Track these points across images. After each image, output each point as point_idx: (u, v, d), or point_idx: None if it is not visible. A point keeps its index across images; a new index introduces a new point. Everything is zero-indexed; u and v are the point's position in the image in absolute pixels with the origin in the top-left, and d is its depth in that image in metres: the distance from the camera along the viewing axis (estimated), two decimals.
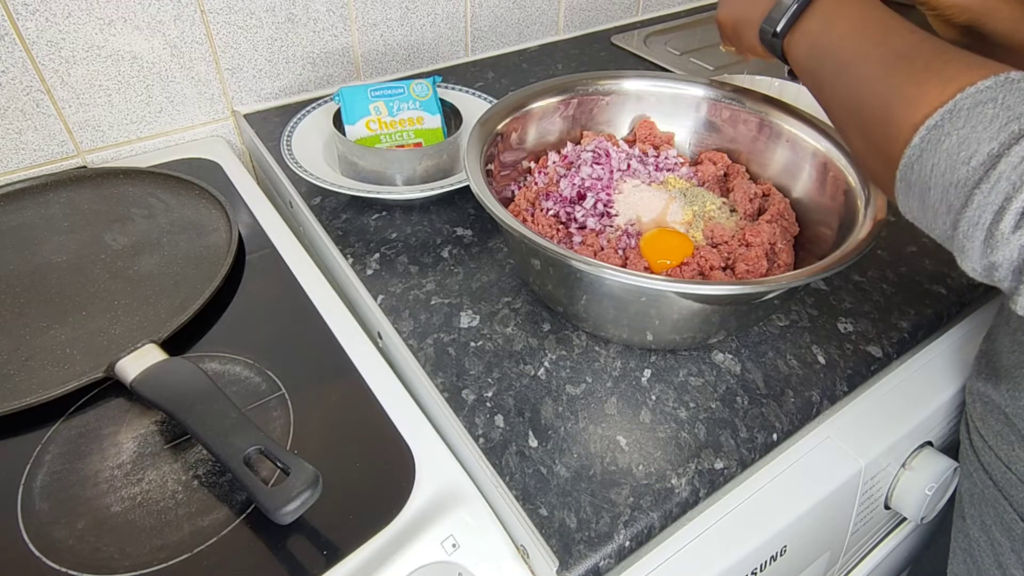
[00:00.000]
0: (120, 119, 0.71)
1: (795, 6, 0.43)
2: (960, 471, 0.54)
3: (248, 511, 0.40)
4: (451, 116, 0.72)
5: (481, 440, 0.44)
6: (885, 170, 0.37)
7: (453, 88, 0.77)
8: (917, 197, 0.34)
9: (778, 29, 0.44)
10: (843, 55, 0.40)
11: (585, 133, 0.61)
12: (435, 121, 0.69)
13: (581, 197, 0.55)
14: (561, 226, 0.53)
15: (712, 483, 0.43)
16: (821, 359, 0.51)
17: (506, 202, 0.56)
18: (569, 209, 0.54)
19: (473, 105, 0.74)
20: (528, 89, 0.58)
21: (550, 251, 0.41)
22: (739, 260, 0.49)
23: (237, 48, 0.75)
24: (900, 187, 0.35)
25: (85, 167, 0.68)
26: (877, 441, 0.50)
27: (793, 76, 0.48)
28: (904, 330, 0.53)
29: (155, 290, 0.55)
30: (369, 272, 0.57)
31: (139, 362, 0.46)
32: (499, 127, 0.55)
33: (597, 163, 0.57)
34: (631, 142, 0.62)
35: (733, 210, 0.55)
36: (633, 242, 0.51)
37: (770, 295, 0.43)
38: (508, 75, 0.90)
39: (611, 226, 0.53)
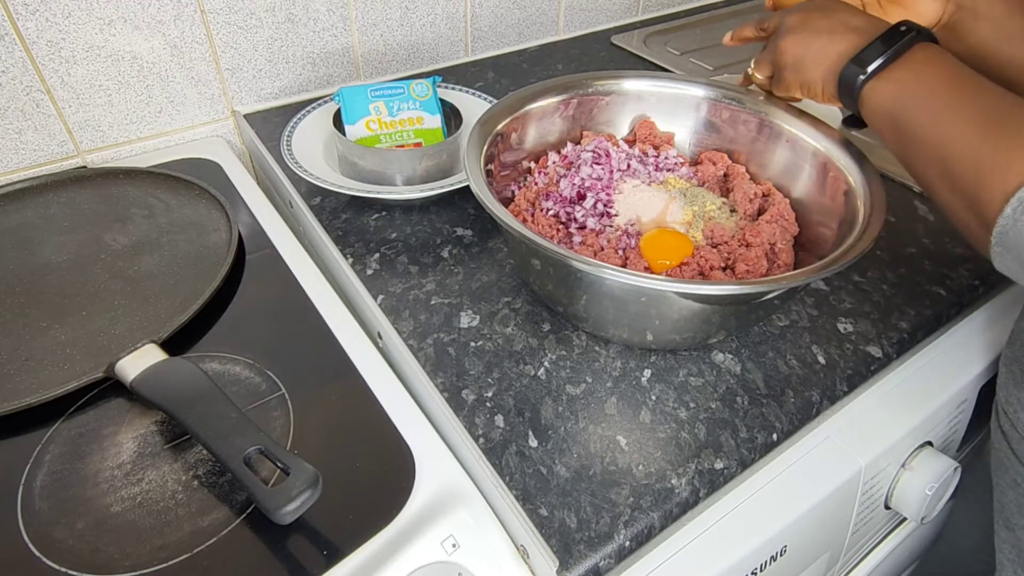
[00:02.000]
0: (120, 119, 0.71)
1: (892, 51, 0.43)
2: (997, 480, 0.53)
3: (248, 511, 0.40)
4: (451, 116, 0.72)
5: (481, 440, 0.44)
6: (980, 229, 0.37)
7: (453, 88, 0.77)
8: (1015, 259, 0.36)
9: (870, 69, 0.43)
10: (933, 106, 0.40)
11: (585, 133, 0.61)
12: (435, 121, 0.69)
13: (581, 197, 0.55)
14: (561, 226, 0.53)
15: (712, 483, 0.43)
16: (821, 359, 0.51)
17: (506, 202, 0.56)
18: (569, 209, 0.54)
19: (473, 105, 0.74)
20: (528, 89, 0.58)
21: (550, 251, 0.41)
22: (739, 260, 0.49)
23: (237, 48, 0.75)
24: (996, 250, 0.36)
25: (85, 167, 0.68)
26: (877, 441, 0.50)
27: (851, 123, 0.47)
28: (904, 330, 0.53)
29: (155, 290, 0.55)
30: (369, 272, 0.57)
31: (139, 362, 0.46)
32: (499, 127, 0.55)
33: (597, 163, 0.57)
34: (631, 142, 0.62)
35: (733, 210, 0.55)
36: (633, 242, 0.51)
37: (770, 295, 0.43)
38: (508, 75, 0.90)
39: (611, 226, 0.53)
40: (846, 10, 0.48)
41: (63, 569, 0.37)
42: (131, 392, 0.45)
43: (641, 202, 0.54)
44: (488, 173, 0.52)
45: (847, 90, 0.45)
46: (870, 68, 0.43)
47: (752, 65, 0.55)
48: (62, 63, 0.65)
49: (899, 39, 0.43)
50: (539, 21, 1.00)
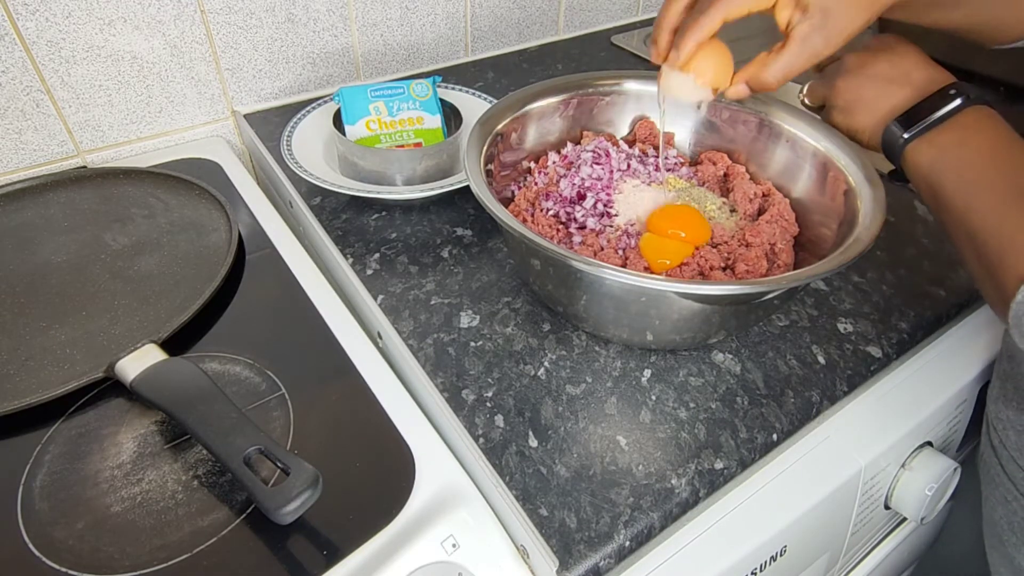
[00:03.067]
0: (120, 119, 0.71)
1: (935, 117, 0.43)
2: (988, 495, 0.53)
3: (248, 511, 0.40)
4: (451, 116, 0.72)
5: (481, 440, 0.44)
6: (999, 302, 0.38)
7: (453, 88, 0.77)
8: None
9: (906, 136, 0.44)
10: (966, 177, 0.40)
11: (585, 133, 0.61)
12: (435, 121, 0.69)
13: (581, 197, 0.55)
14: (561, 226, 0.53)
15: (712, 483, 0.43)
16: (821, 359, 0.51)
17: (506, 202, 0.56)
18: (569, 209, 0.54)
19: (473, 105, 0.74)
20: (528, 89, 0.58)
21: (550, 251, 0.41)
22: (739, 260, 0.49)
23: (237, 48, 0.75)
24: (1013, 326, 0.37)
25: (85, 167, 0.68)
26: (877, 441, 0.50)
27: (895, 178, 0.47)
28: (903, 331, 0.53)
29: (155, 290, 0.55)
30: (369, 272, 0.57)
31: (139, 362, 0.46)
32: (499, 127, 0.55)
33: (597, 163, 0.57)
34: (631, 142, 0.62)
35: (733, 210, 0.55)
36: (633, 242, 0.51)
37: (770, 295, 0.43)
38: (508, 75, 0.90)
39: (611, 226, 0.53)
40: (913, 59, 0.46)
41: (63, 569, 0.37)
42: (131, 392, 0.45)
43: (641, 202, 0.54)
44: (488, 173, 0.52)
45: (890, 147, 0.45)
46: (913, 130, 0.43)
47: (804, 89, 0.54)
48: (62, 63, 0.65)
49: (946, 103, 0.43)
50: (539, 21, 1.00)
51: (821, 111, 0.53)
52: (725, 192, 0.58)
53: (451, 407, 0.46)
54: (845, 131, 0.50)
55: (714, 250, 0.50)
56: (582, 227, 0.53)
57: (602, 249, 0.50)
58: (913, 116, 0.44)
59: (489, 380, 0.48)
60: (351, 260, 0.59)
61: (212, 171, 0.71)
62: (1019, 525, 0.49)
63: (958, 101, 0.42)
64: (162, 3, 0.68)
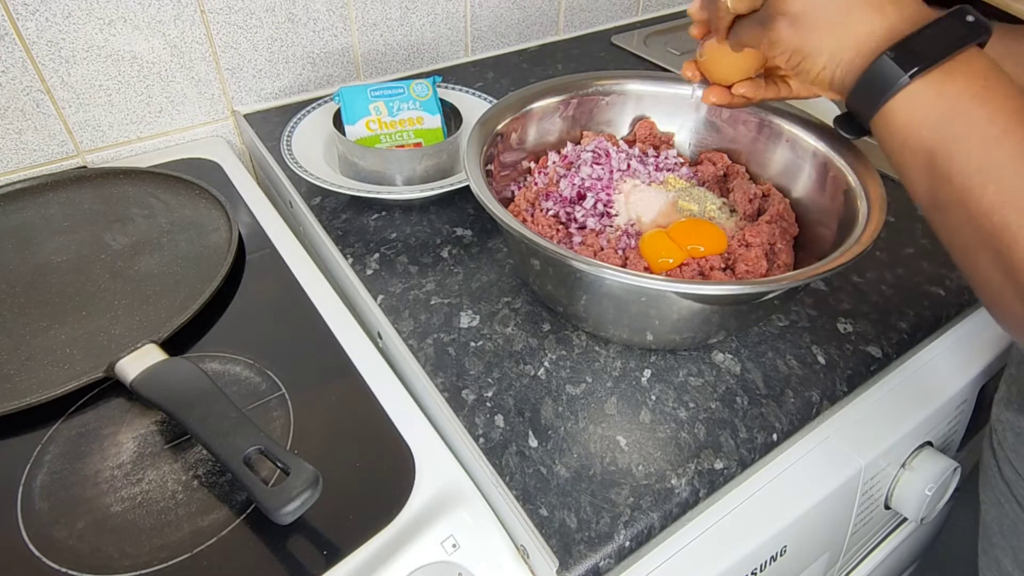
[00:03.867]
0: (120, 119, 0.71)
1: (948, 50, 0.30)
2: (984, 496, 0.53)
3: (248, 511, 0.40)
4: (451, 116, 0.72)
5: (481, 440, 0.44)
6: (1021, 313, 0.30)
7: (453, 88, 0.77)
8: None
9: (910, 73, 0.30)
10: (994, 155, 0.29)
11: (585, 133, 0.61)
12: (435, 121, 0.69)
13: (581, 197, 0.55)
14: (561, 226, 0.53)
15: (712, 483, 0.43)
16: (821, 359, 0.51)
17: (506, 202, 0.56)
18: (569, 209, 0.54)
19: (473, 105, 0.74)
20: (528, 89, 0.58)
21: (550, 251, 0.41)
22: (739, 260, 0.49)
23: (237, 48, 0.75)
24: None
25: (85, 167, 0.68)
26: (877, 441, 0.50)
27: (847, 127, 0.36)
28: (903, 331, 0.53)
29: (155, 290, 0.55)
30: (369, 272, 0.57)
31: (139, 362, 0.46)
32: (499, 127, 0.55)
33: (597, 163, 0.57)
34: (631, 142, 0.62)
35: (733, 210, 0.55)
36: (633, 242, 0.51)
37: (770, 295, 0.43)
38: (508, 75, 0.90)
39: (611, 226, 0.53)
40: None
41: (63, 569, 0.37)
42: (131, 392, 0.45)
43: (641, 202, 0.54)
44: (488, 173, 0.52)
45: (873, 87, 0.32)
46: (916, 69, 0.30)
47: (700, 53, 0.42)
48: (62, 63, 0.65)
49: (964, 33, 0.30)
50: (539, 21, 1.00)
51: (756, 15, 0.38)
52: (725, 192, 0.58)
53: (451, 407, 0.46)
54: (791, 50, 0.35)
55: None
56: (582, 227, 0.53)
57: (602, 249, 0.50)
58: (920, 44, 0.30)
59: (489, 380, 0.48)
60: (351, 260, 0.59)
61: (212, 171, 0.71)
62: (1009, 528, 0.49)
63: (983, 33, 0.30)
64: (162, 3, 0.68)
